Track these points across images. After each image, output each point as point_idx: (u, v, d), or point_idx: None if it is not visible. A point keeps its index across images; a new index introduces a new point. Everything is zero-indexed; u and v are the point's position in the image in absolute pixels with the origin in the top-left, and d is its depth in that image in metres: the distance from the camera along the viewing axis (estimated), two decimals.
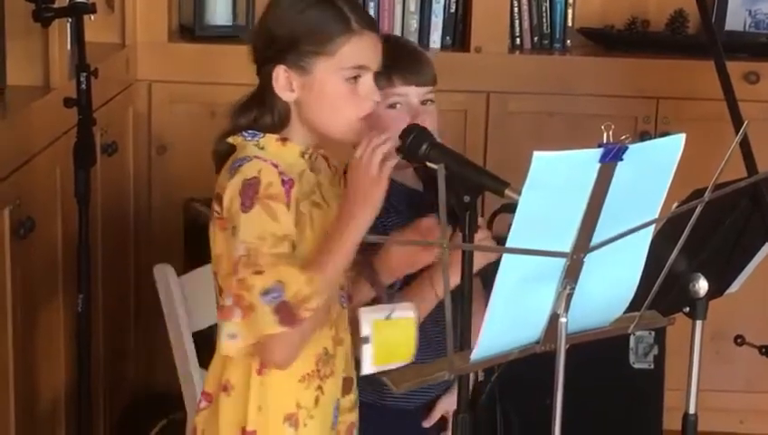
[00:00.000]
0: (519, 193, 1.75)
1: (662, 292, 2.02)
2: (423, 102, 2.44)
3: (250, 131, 2.14)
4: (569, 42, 4.23)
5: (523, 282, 1.84)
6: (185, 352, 2.66)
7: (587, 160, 1.75)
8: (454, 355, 1.90)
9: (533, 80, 4.06)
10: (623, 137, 1.77)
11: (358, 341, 2.13)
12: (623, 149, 1.75)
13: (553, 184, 1.74)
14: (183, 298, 2.65)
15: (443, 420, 2.68)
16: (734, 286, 2.66)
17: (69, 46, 3.30)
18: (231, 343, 2.06)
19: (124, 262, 3.88)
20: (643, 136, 3.97)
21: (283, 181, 2.06)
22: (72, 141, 2.97)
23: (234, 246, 2.03)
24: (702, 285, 2.43)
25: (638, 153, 1.78)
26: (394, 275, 2.34)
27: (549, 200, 1.76)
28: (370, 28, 2.13)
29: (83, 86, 2.95)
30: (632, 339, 3.60)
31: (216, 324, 2.78)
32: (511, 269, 1.82)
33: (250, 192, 2.03)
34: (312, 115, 2.13)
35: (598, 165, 1.76)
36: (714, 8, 4.22)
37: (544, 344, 1.94)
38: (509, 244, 1.78)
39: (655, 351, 3.64)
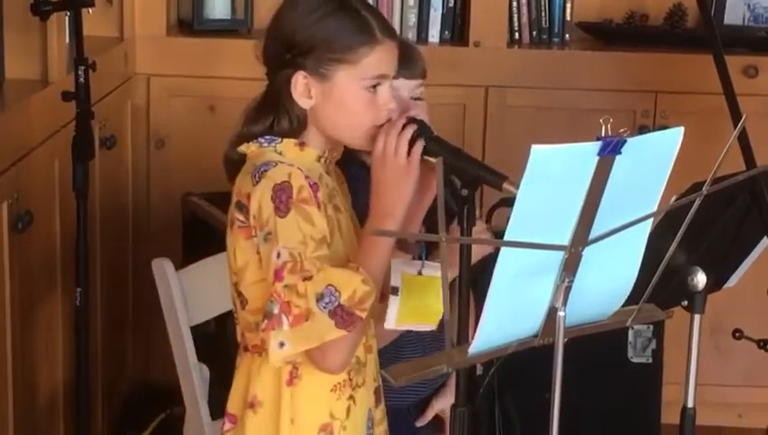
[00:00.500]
0: (517, 187, 1.75)
1: (660, 285, 2.01)
2: (414, 97, 2.44)
3: (267, 137, 2.10)
4: (567, 36, 4.23)
5: (522, 275, 1.84)
6: (183, 346, 2.66)
7: (585, 154, 1.75)
8: (452, 349, 1.90)
9: (532, 74, 4.06)
10: (621, 130, 1.77)
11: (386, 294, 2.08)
12: (621, 143, 1.75)
13: (552, 177, 1.74)
14: (181, 292, 2.66)
15: (437, 419, 2.68)
16: (733, 280, 2.66)
17: (67, 40, 3.30)
18: (280, 352, 1.98)
19: (122, 256, 3.88)
20: (642, 130, 3.96)
21: (310, 185, 2.03)
22: (71, 135, 2.97)
23: (270, 253, 1.99)
24: (700, 279, 2.43)
25: (636, 147, 1.78)
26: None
27: (547, 194, 1.76)
28: (391, 37, 2.11)
29: (82, 80, 2.95)
30: (630, 333, 3.60)
31: (213, 319, 2.80)
32: (509, 262, 1.81)
33: (283, 197, 1.99)
34: (328, 122, 2.10)
35: (596, 158, 1.76)
36: (712, 2, 4.22)
37: (542, 338, 1.93)
38: (507, 237, 1.78)
39: (653, 345, 3.64)
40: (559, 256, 1.85)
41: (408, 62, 2.44)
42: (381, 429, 2.26)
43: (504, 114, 4.05)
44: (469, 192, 2.02)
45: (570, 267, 1.86)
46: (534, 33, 4.21)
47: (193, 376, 2.67)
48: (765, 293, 3.35)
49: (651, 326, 3.61)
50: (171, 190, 3.94)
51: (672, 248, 1.98)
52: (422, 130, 2.08)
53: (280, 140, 2.10)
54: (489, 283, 1.82)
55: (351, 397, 2.14)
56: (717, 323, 3.92)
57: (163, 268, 2.66)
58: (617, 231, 1.86)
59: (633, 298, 2.02)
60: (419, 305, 2.07)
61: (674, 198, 2.00)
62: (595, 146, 1.75)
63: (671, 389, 3.55)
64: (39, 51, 3.14)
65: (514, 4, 4.16)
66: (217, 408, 2.37)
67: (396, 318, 2.07)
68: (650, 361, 3.64)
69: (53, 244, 3.07)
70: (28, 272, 2.85)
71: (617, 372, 3.61)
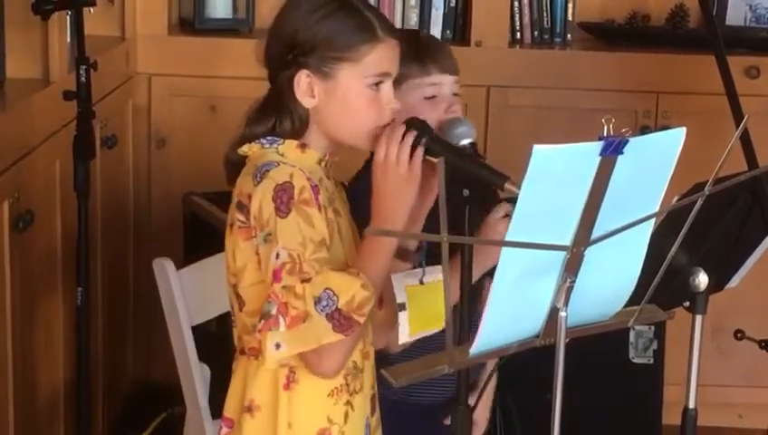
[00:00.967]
0: (519, 186, 1.75)
1: (662, 286, 2.01)
2: (453, 93, 2.44)
3: (268, 138, 2.09)
4: (569, 36, 4.23)
5: (523, 275, 1.84)
6: (184, 345, 2.66)
7: (587, 154, 1.75)
8: (454, 349, 1.89)
9: (534, 74, 4.06)
10: (623, 130, 1.77)
11: (391, 310, 2.08)
12: (624, 143, 1.75)
13: (553, 177, 1.74)
14: (182, 292, 2.66)
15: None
16: (735, 281, 2.66)
17: (68, 39, 3.30)
18: (275, 353, 1.97)
19: (123, 256, 3.88)
20: (643, 130, 3.96)
21: (311, 187, 2.02)
22: (72, 134, 2.97)
23: (270, 254, 1.98)
24: (702, 280, 2.43)
25: (638, 147, 1.78)
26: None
27: (549, 193, 1.76)
28: (393, 35, 2.11)
29: (83, 79, 2.95)
30: (632, 333, 3.60)
31: (214, 319, 2.80)
32: (511, 263, 1.81)
33: (284, 197, 1.99)
34: (331, 121, 2.10)
35: (598, 158, 1.75)
36: (714, 2, 4.21)
37: (544, 338, 1.93)
38: (509, 237, 1.78)
39: (654, 345, 3.64)
40: (560, 256, 1.85)
41: (448, 58, 2.44)
42: None
43: (506, 114, 4.06)
44: (471, 192, 2.02)
45: (571, 268, 1.86)
46: (536, 33, 4.21)
47: (194, 376, 2.67)
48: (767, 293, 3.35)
49: (653, 327, 3.61)
50: (172, 190, 3.94)
51: (674, 249, 1.98)
52: (423, 132, 2.08)
53: (282, 141, 2.09)
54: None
55: (349, 402, 2.12)
56: (719, 324, 3.92)
57: (164, 268, 2.66)
58: (619, 231, 1.86)
59: (635, 299, 2.02)
60: (427, 312, 2.07)
61: (676, 199, 2.00)
62: (597, 146, 1.74)
63: (672, 389, 3.54)
64: (40, 50, 3.14)
65: (516, 3, 4.16)
66: (218, 408, 2.36)
67: (408, 332, 2.07)
68: (651, 361, 3.64)
69: (54, 243, 3.06)
70: (29, 271, 2.85)
71: (618, 373, 3.61)
